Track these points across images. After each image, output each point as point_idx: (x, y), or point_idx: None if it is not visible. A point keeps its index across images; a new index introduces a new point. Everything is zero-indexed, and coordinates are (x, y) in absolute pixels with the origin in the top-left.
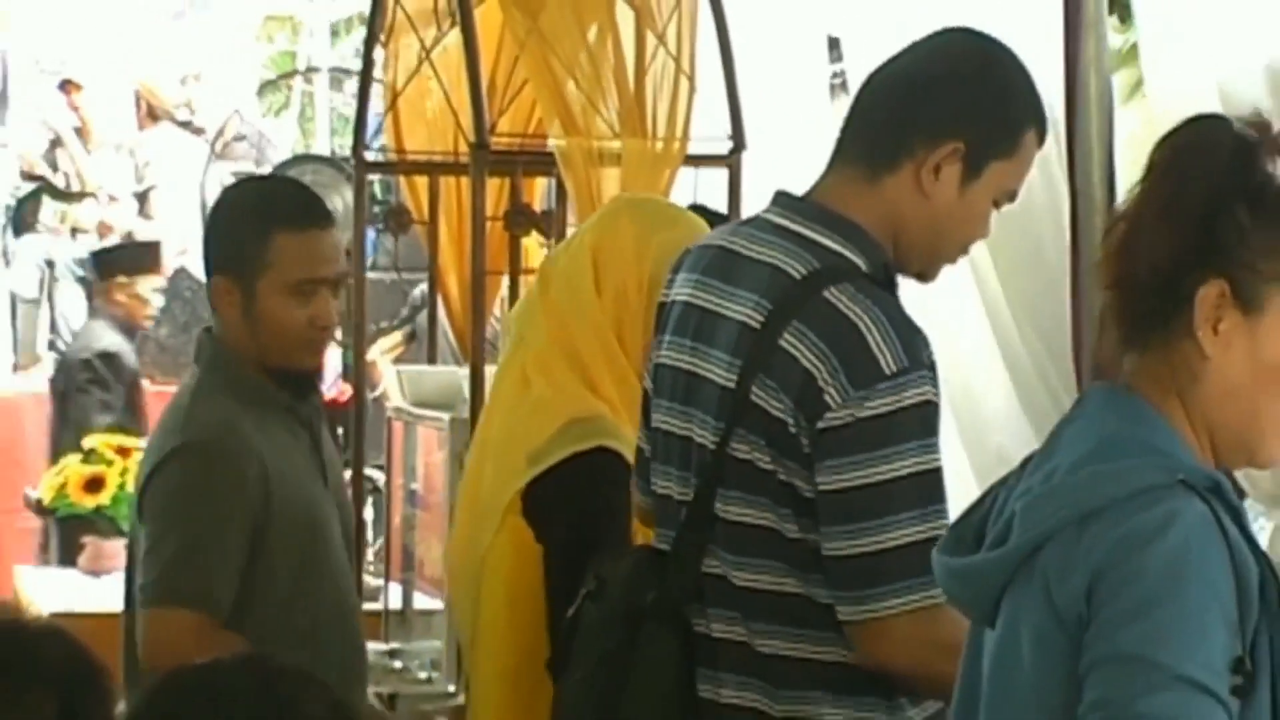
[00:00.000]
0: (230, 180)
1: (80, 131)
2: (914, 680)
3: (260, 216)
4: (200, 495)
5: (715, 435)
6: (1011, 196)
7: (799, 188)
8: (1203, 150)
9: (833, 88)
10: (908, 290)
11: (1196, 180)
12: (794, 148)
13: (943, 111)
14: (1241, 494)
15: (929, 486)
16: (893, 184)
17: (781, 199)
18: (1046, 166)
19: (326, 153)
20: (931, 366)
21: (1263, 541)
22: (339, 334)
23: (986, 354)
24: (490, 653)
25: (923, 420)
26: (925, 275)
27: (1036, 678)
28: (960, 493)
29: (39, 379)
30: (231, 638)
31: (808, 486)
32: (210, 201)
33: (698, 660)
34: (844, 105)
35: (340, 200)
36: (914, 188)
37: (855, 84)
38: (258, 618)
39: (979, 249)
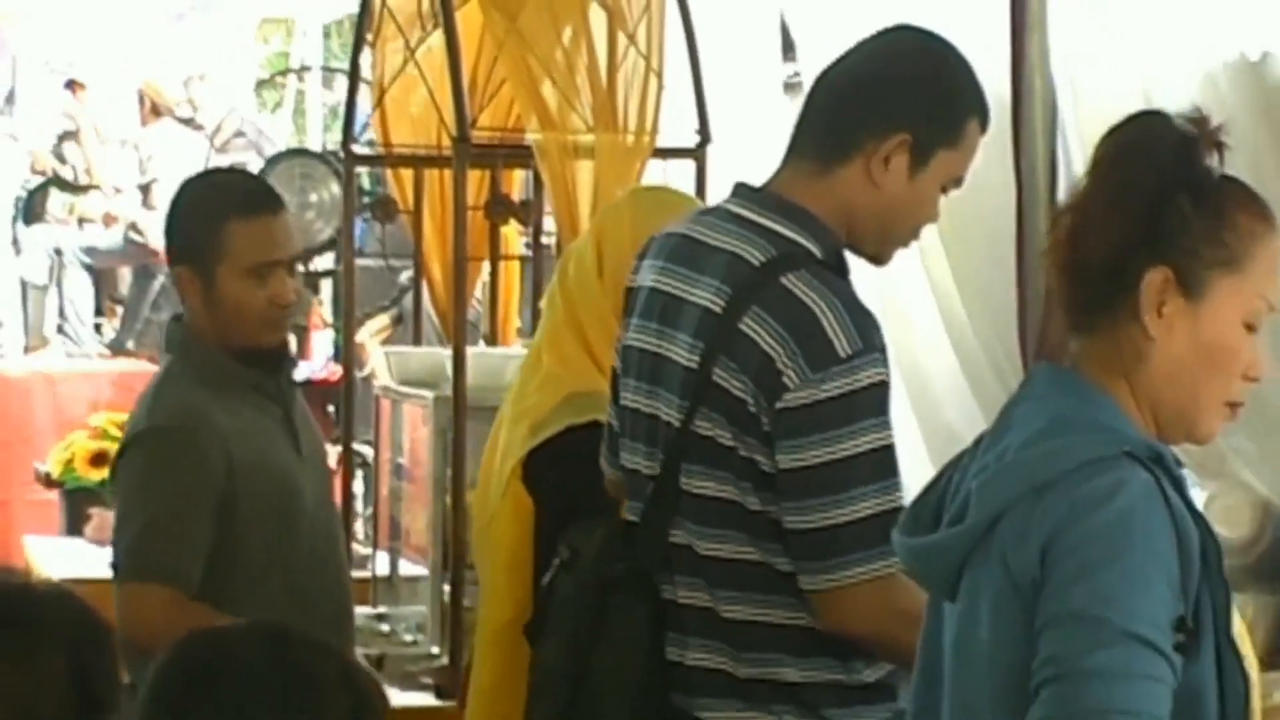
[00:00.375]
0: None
1: (81, 130)
2: (873, 645)
3: (213, 207)
4: (163, 476)
5: (680, 413)
6: (958, 183)
7: (760, 179)
8: (1147, 144)
9: (788, 86)
10: (863, 278)
11: (1142, 172)
12: (756, 142)
13: (890, 106)
14: (1179, 464)
15: (883, 462)
16: (845, 175)
17: (741, 190)
18: (995, 159)
19: (319, 147)
20: (883, 349)
21: None
22: (329, 317)
23: (936, 337)
24: (488, 613)
25: (876, 400)
26: (879, 259)
27: (995, 642)
28: (913, 467)
29: (48, 360)
30: (202, 609)
31: (768, 462)
32: None
33: (666, 625)
34: (800, 102)
35: (327, 191)
36: (865, 178)
37: (809, 83)
38: (235, 585)
39: (930, 238)
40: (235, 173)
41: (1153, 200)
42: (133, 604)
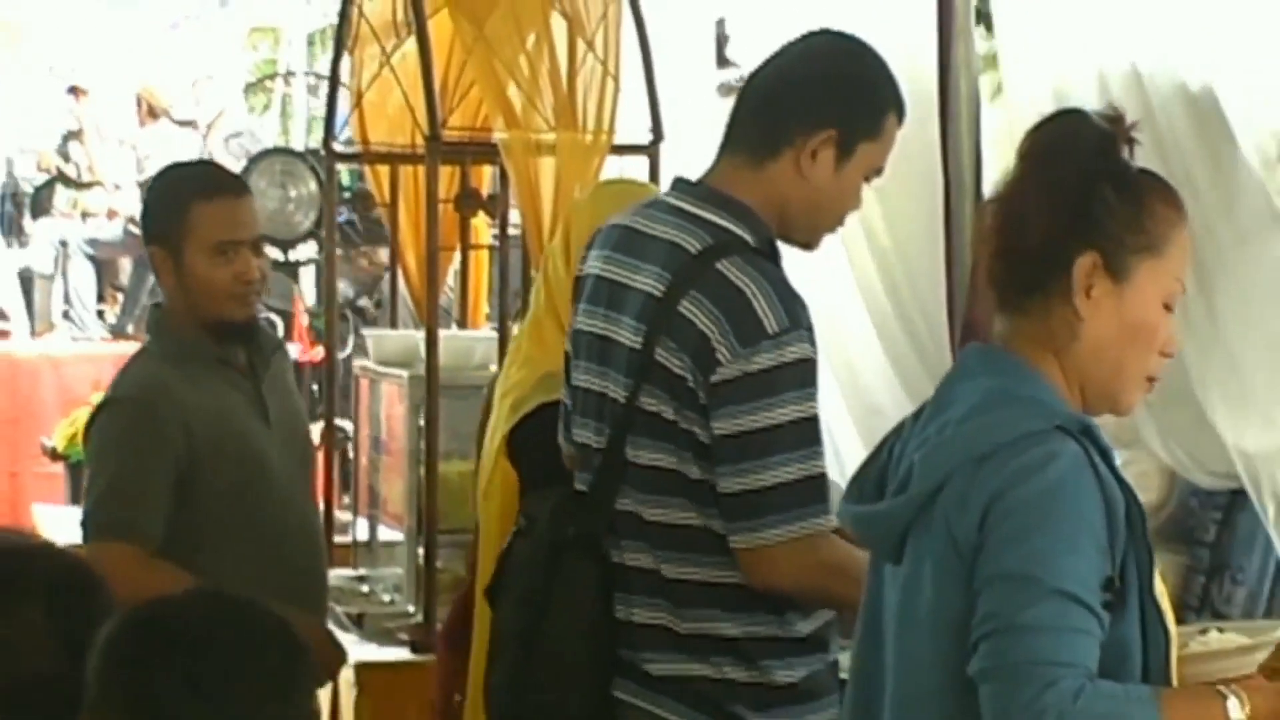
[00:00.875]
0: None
1: (84, 131)
2: (801, 598)
3: (179, 191)
4: (123, 442)
5: (625, 390)
6: (879, 172)
7: (698, 174)
8: (1073, 140)
9: (725, 86)
10: (795, 275)
11: (1070, 165)
12: (705, 139)
13: (816, 103)
14: None
15: (807, 432)
16: (776, 169)
17: (679, 184)
18: (921, 155)
19: (303, 146)
20: (809, 328)
21: None
22: (311, 303)
23: (863, 328)
24: (481, 577)
25: (801, 374)
26: (809, 245)
27: (937, 602)
28: (843, 445)
29: (54, 344)
30: (163, 565)
31: (705, 433)
32: None
33: (614, 586)
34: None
35: (306, 187)
36: (795, 171)
37: None
38: (199, 547)
39: (858, 238)
40: (201, 162)
41: (1081, 191)
42: (97, 561)
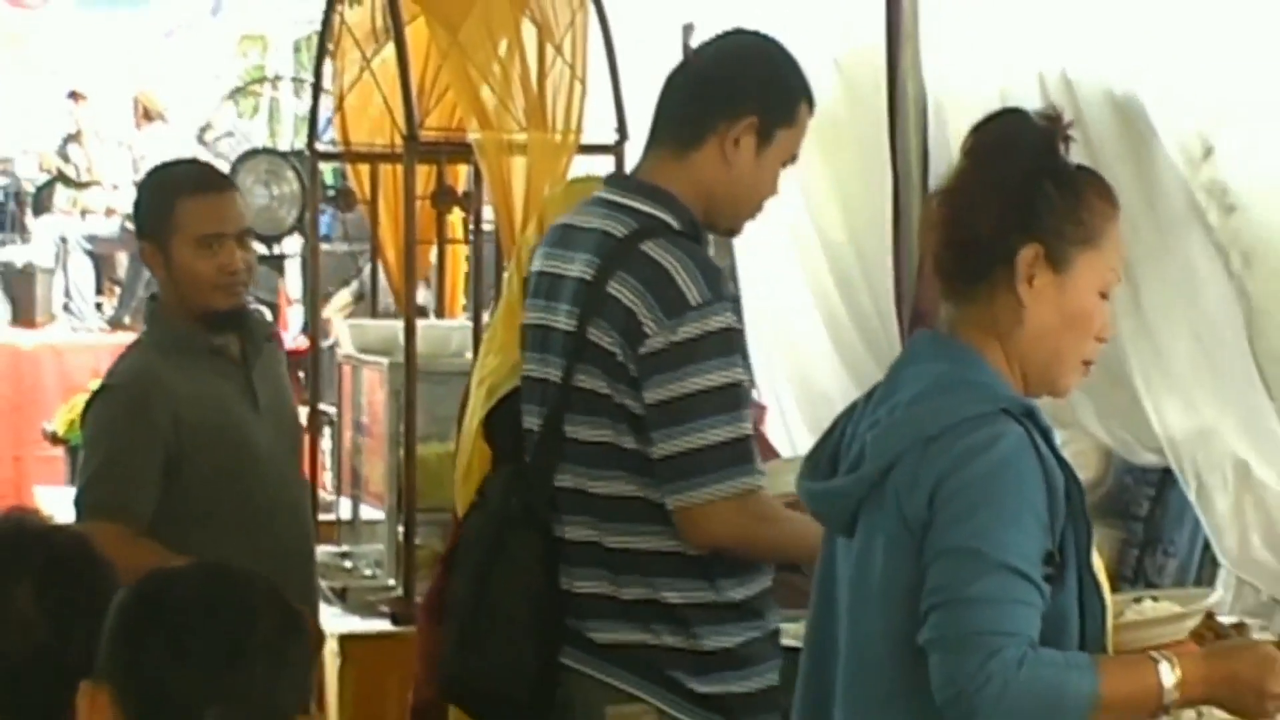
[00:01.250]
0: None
1: (83, 133)
2: (740, 551)
3: (166, 188)
4: (113, 427)
5: (561, 371)
6: (794, 159)
7: None
8: (1015, 137)
9: None
10: (754, 269)
11: (1014, 162)
12: None
13: (737, 93)
14: None
15: (733, 396)
16: (700, 158)
17: (610, 179)
18: (872, 152)
19: (289, 147)
20: (732, 299)
21: None
22: (298, 294)
23: (812, 323)
24: None
25: (725, 342)
26: (733, 231)
27: (889, 575)
28: (792, 428)
29: (55, 334)
30: (150, 544)
31: (638, 404)
32: None
33: (558, 559)
34: None
35: (289, 185)
36: (719, 158)
37: None
38: (187, 527)
39: (809, 228)
40: (188, 160)
41: (1024, 186)
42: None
